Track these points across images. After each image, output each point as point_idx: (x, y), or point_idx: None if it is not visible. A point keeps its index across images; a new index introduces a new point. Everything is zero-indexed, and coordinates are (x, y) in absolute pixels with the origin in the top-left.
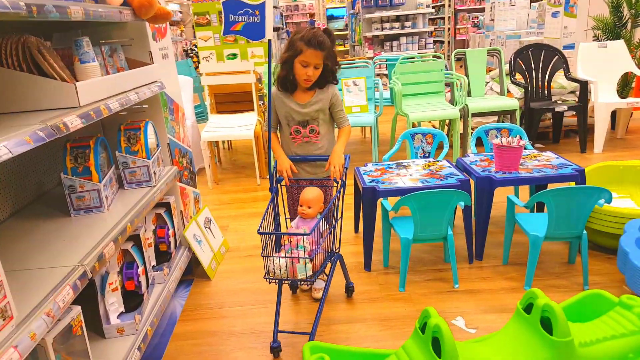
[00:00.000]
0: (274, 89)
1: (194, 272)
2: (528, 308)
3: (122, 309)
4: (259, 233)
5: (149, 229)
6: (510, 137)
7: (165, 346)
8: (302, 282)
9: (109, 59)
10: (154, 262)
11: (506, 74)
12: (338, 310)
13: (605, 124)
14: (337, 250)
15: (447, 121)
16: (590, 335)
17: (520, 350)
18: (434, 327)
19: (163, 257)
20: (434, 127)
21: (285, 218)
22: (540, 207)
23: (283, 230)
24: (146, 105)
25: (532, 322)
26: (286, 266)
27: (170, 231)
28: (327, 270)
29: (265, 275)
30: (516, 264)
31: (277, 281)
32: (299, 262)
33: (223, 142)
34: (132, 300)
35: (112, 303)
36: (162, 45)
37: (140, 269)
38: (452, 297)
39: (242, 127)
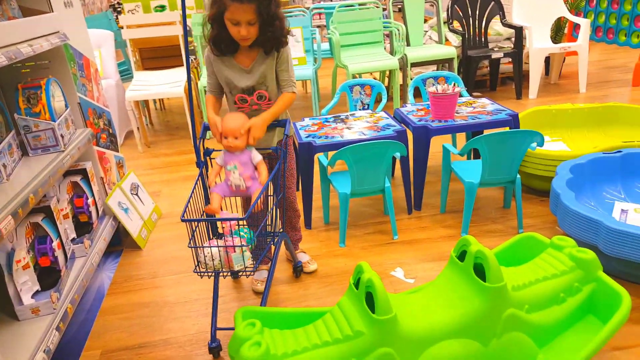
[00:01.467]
0: (207, 51)
1: (122, 242)
2: (462, 255)
3: (37, 287)
4: (182, 220)
5: (63, 198)
6: (446, 84)
7: (92, 322)
8: (241, 274)
9: None
10: (73, 235)
11: (444, 22)
12: (278, 270)
13: (540, 69)
14: (280, 230)
15: (388, 72)
16: (523, 278)
17: (455, 298)
18: (366, 282)
19: (84, 228)
20: (375, 78)
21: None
22: (477, 155)
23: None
24: (47, 61)
25: (466, 270)
26: (220, 256)
27: (90, 200)
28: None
29: (195, 268)
30: (454, 212)
31: (210, 274)
32: (234, 251)
33: (155, 102)
34: (49, 277)
35: (25, 282)
36: None
37: (55, 243)
38: (391, 248)
39: (170, 84)
